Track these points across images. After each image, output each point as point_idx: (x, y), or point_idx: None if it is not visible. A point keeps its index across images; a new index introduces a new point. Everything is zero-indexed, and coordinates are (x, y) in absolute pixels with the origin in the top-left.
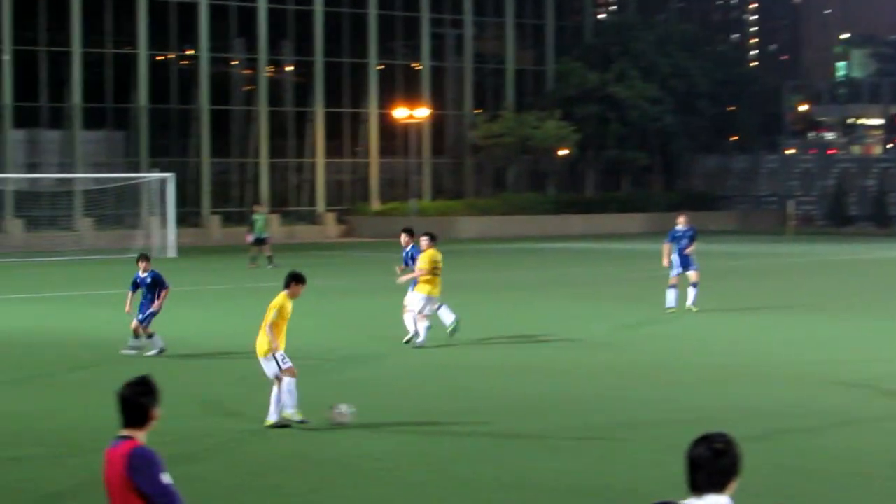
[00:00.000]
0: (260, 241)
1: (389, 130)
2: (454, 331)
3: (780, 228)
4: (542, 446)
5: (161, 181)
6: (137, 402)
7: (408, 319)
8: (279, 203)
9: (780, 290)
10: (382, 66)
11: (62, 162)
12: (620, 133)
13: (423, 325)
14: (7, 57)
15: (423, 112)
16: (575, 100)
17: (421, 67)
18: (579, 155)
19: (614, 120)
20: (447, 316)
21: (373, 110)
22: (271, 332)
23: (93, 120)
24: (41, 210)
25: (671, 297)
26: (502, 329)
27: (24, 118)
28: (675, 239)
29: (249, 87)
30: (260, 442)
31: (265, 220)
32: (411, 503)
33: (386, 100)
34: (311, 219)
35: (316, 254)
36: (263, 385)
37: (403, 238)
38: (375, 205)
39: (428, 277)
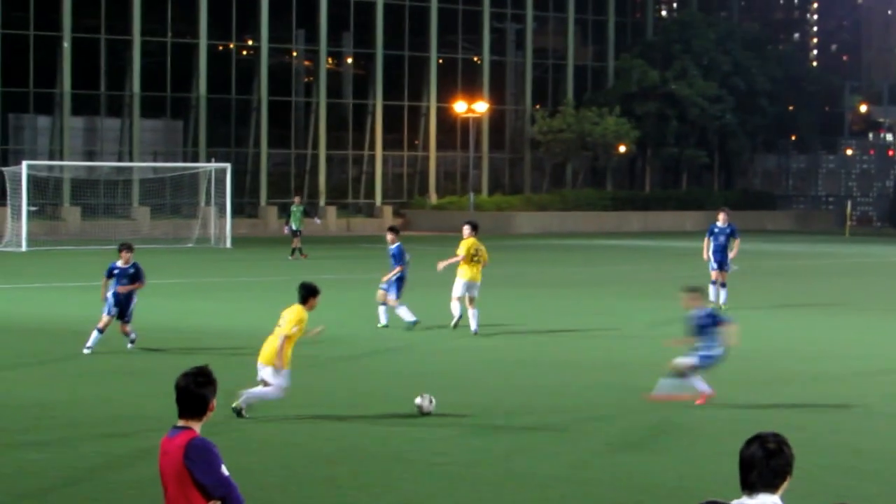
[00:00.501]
0: (295, 233)
1: (448, 124)
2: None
3: (838, 229)
4: (599, 442)
5: (219, 171)
6: (198, 392)
7: (454, 307)
8: (337, 195)
9: (828, 289)
10: (442, 60)
11: (120, 150)
12: (680, 131)
13: (455, 306)
14: (67, 44)
15: (482, 106)
16: (635, 97)
17: (481, 61)
18: (638, 152)
19: (674, 117)
20: (408, 315)
21: (432, 104)
22: (286, 344)
23: (151, 108)
24: (98, 198)
25: (712, 293)
26: (558, 324)
27: (83, 106)
28: (712, 234)
29: (309, 79)
30: (312, 434)
31: (302, 213)
32: (468, 497)
33: (445, 93)
34: (369, 211)
35: (372, 246)
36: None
37: (389, 236)
38: (433, 198)
39: (469, 264)
